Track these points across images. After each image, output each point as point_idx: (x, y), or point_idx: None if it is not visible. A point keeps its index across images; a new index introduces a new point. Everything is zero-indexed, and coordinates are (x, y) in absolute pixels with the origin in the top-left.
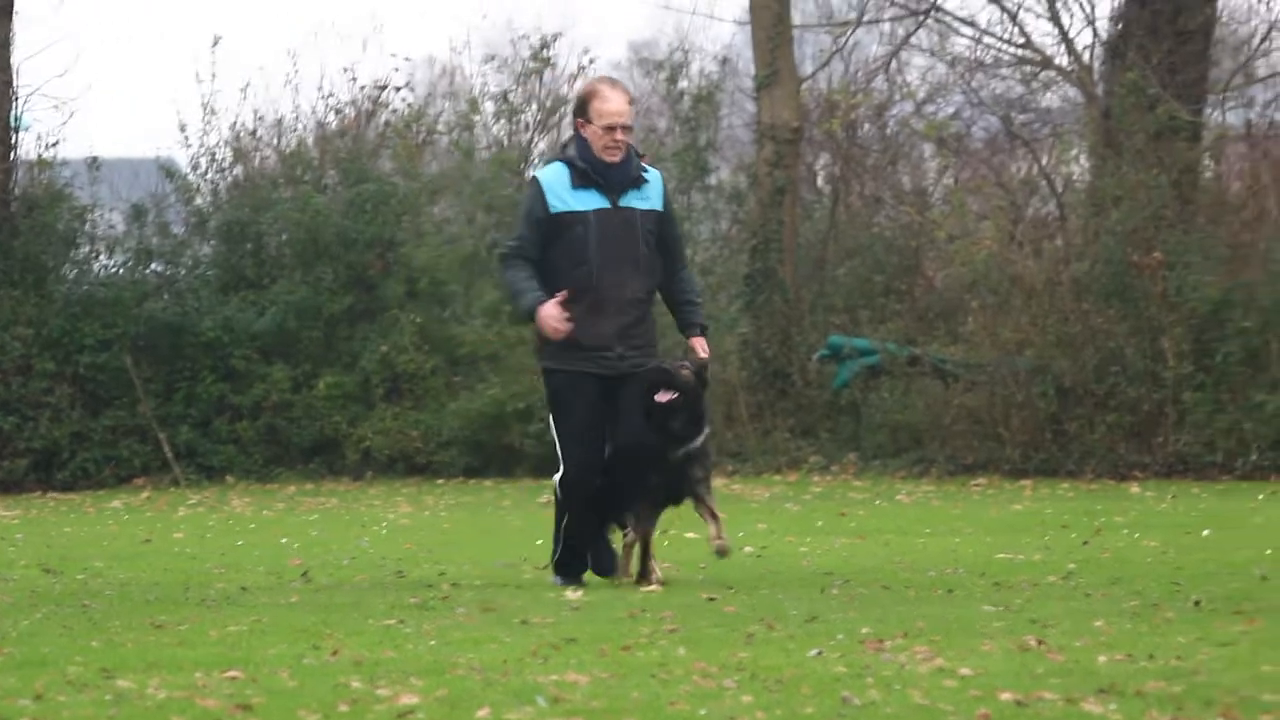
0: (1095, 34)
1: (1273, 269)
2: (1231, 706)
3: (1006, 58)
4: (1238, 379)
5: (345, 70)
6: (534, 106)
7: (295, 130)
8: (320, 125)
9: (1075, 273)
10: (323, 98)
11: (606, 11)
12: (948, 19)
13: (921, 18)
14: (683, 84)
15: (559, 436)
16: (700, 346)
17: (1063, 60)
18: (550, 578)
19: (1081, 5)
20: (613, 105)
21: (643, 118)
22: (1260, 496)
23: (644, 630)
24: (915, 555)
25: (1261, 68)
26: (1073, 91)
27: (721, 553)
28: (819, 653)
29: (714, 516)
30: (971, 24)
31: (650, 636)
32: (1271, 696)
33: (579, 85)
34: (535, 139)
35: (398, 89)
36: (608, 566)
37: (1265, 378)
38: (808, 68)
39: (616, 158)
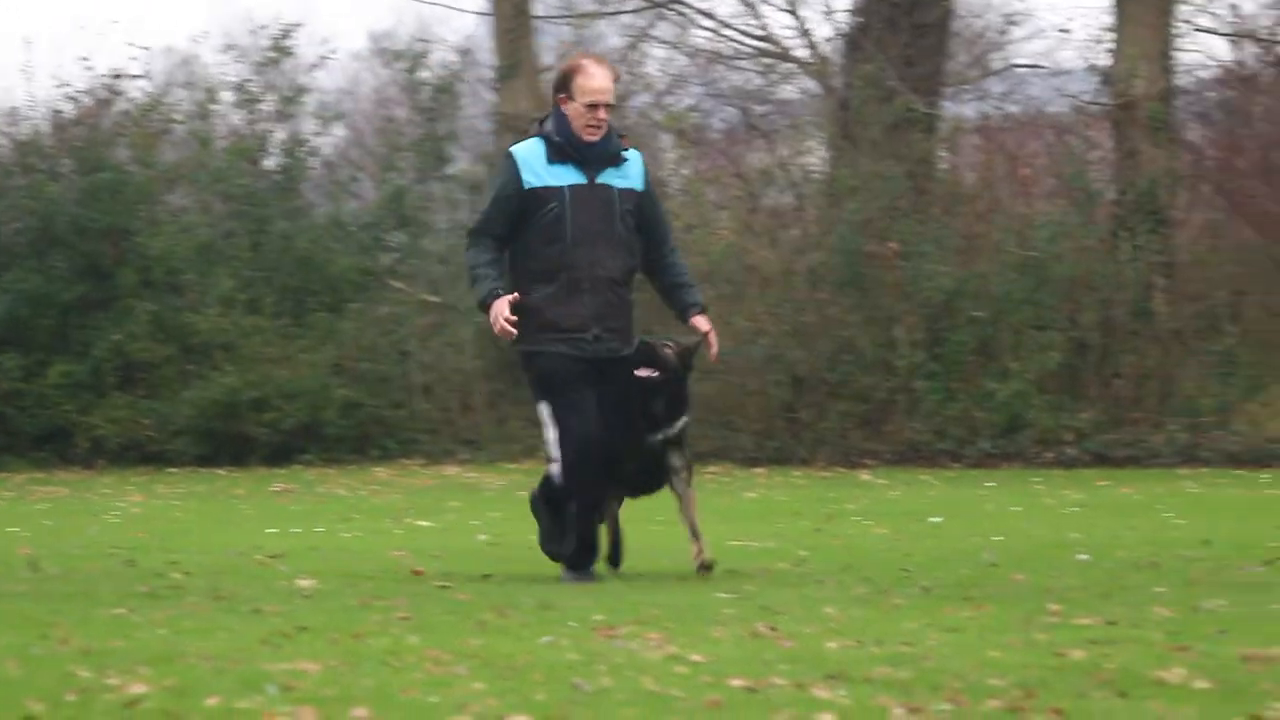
0: (834, 26)
1: (1004, 259)
2: (959, 691)
3: (745, 50)
4: (969, 368)
5: (82, 59)
6: (272, 96)
7: (30, 118)
8: (56, 113)
9: (811, 262)
10: (58, 86)
11: (346, 1)
12: (687, 11)
13: (661, 9)
14: (423, 74)
15: (556, 412)
16: (703, 324)
17: (801, 52)
18: (563, 576)
19: None
20: (597, 82)
21: (381, 107)
22: (989, 484)
23: (375, 618)
24: (648, 542)
25: (996, 61)
26: (811, 83)
27: (705, 568)
28: (551, 640)
29: (695, 535)
30: (711, 16)
31: (382, 624)
32: (998, 681)
33: (564, 61)
34: (273, 129)
35: (135, 78)
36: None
37: (995, 366)
38: (548, 59)
39: (596, 136)
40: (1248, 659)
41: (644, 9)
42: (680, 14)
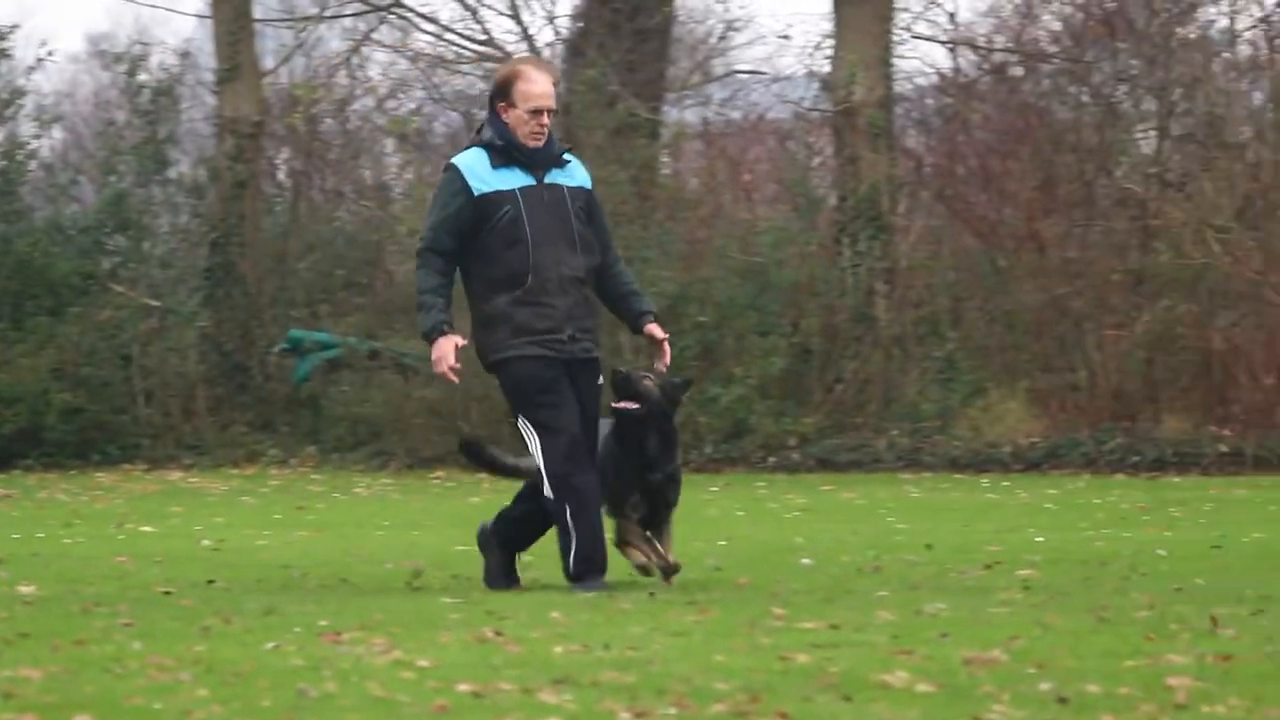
0: (556, 31)
1: (728, 265)
2: (684, 695)
3: (468, 54)
4: (693, 373)
5: None
6: None
7: None
8: None
9: None
10: None
11: (64, 3)
12: (409, 15)
13: (383, 14)
14: (142, 77)
15: (536, 425)
16: (658, 331)
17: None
18: (574, 589)
19: (542, 3)
20: (539, 87)
21: (101, 110)
22: (714, 489)
23: (98, 624)
24: (374, 548)
25: (718, 67)
26: None
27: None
28: (276, 645)
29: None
30: (433, 20)
31: (105, 630)
32: (723, 685)
33: (501, 68)
34: None
35: None
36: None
37: (719, 372)
38: (270, 62)
39: (540, 142)
40: (969, 662)
41: (365, 13)
42: (402, 18)
